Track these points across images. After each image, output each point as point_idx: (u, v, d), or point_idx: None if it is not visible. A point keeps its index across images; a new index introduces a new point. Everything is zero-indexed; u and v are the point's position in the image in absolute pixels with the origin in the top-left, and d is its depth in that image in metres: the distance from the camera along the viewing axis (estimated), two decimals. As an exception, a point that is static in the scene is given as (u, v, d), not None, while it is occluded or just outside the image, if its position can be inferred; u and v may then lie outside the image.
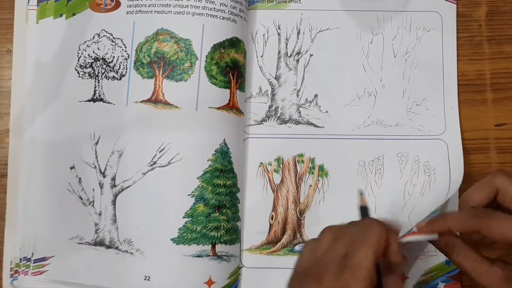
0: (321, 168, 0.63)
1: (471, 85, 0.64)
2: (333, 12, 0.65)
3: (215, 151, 0.59)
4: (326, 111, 0.64)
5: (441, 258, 0.61)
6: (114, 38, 0.62)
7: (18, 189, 0.61)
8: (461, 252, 0.48)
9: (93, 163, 0.60)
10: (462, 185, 0.62)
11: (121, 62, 0.61)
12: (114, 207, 0.59)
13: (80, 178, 0.60)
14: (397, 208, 0.62)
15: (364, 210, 0.52)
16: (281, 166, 0.63)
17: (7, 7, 0.64)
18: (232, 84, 0.61)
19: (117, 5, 0.62)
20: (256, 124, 0.64)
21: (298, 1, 0.65)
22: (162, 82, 0.60)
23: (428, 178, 0.62)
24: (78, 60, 0.62)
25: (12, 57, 0.63)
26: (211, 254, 0.58)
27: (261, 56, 0.65)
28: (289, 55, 0.65)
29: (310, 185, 0.63)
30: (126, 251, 0.59)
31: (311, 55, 0.64)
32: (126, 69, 0.61)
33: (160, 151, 0.59)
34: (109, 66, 0.61)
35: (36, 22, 0.62)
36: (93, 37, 0.62)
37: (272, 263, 0.62)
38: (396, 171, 0.63)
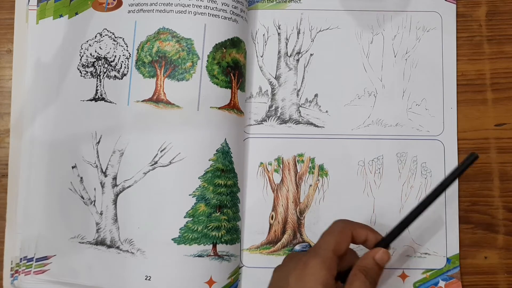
0: (321, 168, 0.63)
1: (471, 85, 0.64)
2: (333, 12, 0.65)
3: (217, 151, 0.59)
4: (326, 111, 0.64)
5: (442, 256, 0.61)
6: (115, 37, 0.61)
7: (18, 189, 0.61)
8: None
9: (95, 163, 0.60)
10: (458, 186, 0.62)
11: (122, 61, 0.61)
12: (115, 207, 0.59)
13: (81, 178, 0.60)
14: (394, 212, 0.62)
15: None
16: (281, 166, 0.63)
17: (7, 7, 0.64)
18: (233, 84, 0.61)
19: (119, 4, 0.62)
20: (256, 124, 0.64)
21: (298, 1, 0.65)
22: (163, 81, 0.59)
23: (425, 180, 0.63)
24: (81, 59, 0.62)
25: (12, 57, 0.63)
26: (212, 254, 0.58)
27: (261, 56, 0.65)
28: (289, 55, 0.65)
29: (310, 185, 0.63)
30: (127, 251, 0.59)
31: (311, 54, 0.64)
32: (128, 68, 0.61)
33: (161, 151, 0.59)
34: (111, 65, 0.61)
35: (36, 22, 0.62)
36: (95, 36, 0.62)
37: (272, 263, 0.61)
38: (395, 171, 0.63)
